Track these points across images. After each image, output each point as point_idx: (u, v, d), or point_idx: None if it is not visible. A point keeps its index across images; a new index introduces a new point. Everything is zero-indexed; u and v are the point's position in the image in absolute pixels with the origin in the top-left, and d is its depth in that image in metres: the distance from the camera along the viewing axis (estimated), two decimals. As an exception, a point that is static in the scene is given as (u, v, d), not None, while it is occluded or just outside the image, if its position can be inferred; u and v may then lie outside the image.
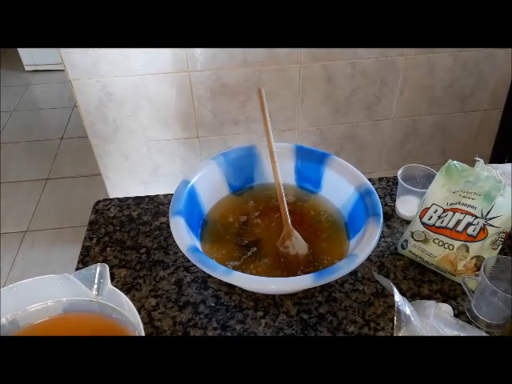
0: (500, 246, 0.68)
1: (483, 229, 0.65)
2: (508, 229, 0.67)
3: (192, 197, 0.73)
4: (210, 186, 0.77)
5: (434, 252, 0.70)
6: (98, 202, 0.88)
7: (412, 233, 0.72)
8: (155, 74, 1.30)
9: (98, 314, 0.55)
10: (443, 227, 0.68)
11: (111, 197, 0.95)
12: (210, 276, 0.71)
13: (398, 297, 0.58)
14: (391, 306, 0.68)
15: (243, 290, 0.71)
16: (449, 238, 0.68)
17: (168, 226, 0.80)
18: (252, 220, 0.77)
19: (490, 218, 0.65)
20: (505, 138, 1.60)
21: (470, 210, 0.66)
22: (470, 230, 0.66)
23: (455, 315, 0.66)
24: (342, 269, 0.61)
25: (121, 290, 0.53)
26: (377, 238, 0.64)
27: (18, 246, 1.88)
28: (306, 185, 0.82)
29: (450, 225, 0.68)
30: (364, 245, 0.64)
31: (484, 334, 0.62)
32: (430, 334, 0.57)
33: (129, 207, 0.87)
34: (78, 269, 0.73)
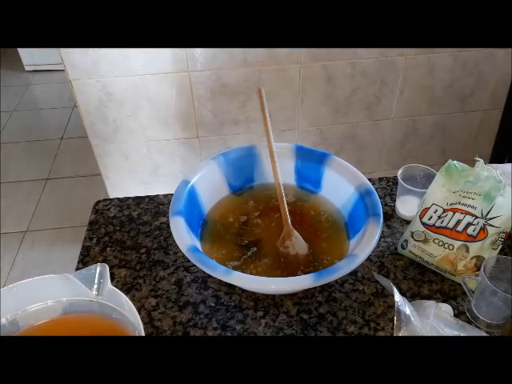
0: (500, 246, 0.68)
1: (483, 229, 0.65)
2: (508, 229, 0.67)
3: (192, 197, 0.73)
4: (210, 185, 0.77)
5: (434, 252, 0.70)
6: (98, 202, 0.88)
7: (412, 233, 0.72)
8: (155, 74, 1.30)
9: (98, 314, 0.55)
10: (443, 227, 0.68)
11: (111, 197, 0.95)
12: (210, 276, 0.71)
13: (397, 297, 0.58)
14: (391, 305, 0.68)
15: (243, 290, 0.71)
16: (449, 237, 0.68)
17: (168, 226, 0.80)
18: (252, 220, 0.77)
19: (490, 218, 0.65)
20: (505, 138, 1.60)
21: (470, 209, 0.66)
22: (470, 230, 0.66)
23: (455, 315, 0.66)
24: (342, 269, 0.61)
25: (121, 290, 0.53)
26: (377, 237, 0.64)
27: (18, 246, 1.88)
28: (306, 185, 0.82)
29: (450, 225, 0.68)
30: (364, 245, 0.64)
31: (484, 334, 0.62)
32: (430, 334, 0.57)
33: (129, 207, 0.87)
34: (78, 269, 0.73)
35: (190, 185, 0.74)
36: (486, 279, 0.61)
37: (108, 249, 0.78)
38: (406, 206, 0.82)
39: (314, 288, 0.70)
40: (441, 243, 0.69)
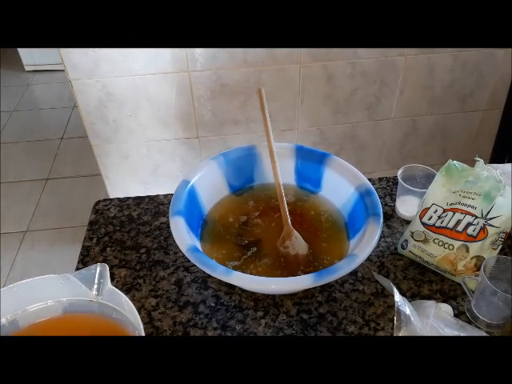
0: (500, 246, 0.68)
1: (483, 229, 0.65)
2: (508, 229, 0.67)
3: (192, 197, 0.73)
4: (210, 185, 0.77)
5: (434, 252, 0.70)
6: (98, 202, 0.88)
7: (412, 233, 0.72)
8: (155, 73, 1.30)
9: (98, 314, 0.55)
10: (443, 227, 0.68)
11: (111, 197, 0.96)
12: (210, 276, 0.71)
13: (398, 297, 0.58)
14: (391, 305, 0.68)
15: (243, 290, 0.71)
16: (449, 237, 0.68)
17: (168, 226, 0.80)
18: (252, 220, 0.77)
19: (490, 218, 0.65)
20: (505, 138, 1.60)
21: (469, 209, 0.66)
22: (470, 230, 0.66)
23: (455, 315, 0.66)
24: (342, 269, 0.61)
25: (121, 290, 0.53)
26: (377, 237, 0.64)
27: (18, 246, 1.88)
28: (305, 185, 0.82)
29: (450, 225, 0.68)
30: (364, 245, 0.64)
31: (484, 334, 0.62)
32: (430, 334, 0.57)
33: (129, 207, 0.87)
34: (78, 269, 0.73)
35: (190, 185, 0.74)
36: (486, 279, 0.61)
37: (108, 249, 0.78)
38: (406, 206, 0.82)
39: (314, 288, 0.70)
40: (441, 243, 0.69)
